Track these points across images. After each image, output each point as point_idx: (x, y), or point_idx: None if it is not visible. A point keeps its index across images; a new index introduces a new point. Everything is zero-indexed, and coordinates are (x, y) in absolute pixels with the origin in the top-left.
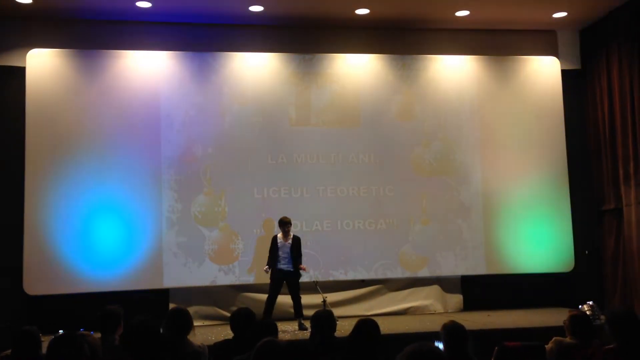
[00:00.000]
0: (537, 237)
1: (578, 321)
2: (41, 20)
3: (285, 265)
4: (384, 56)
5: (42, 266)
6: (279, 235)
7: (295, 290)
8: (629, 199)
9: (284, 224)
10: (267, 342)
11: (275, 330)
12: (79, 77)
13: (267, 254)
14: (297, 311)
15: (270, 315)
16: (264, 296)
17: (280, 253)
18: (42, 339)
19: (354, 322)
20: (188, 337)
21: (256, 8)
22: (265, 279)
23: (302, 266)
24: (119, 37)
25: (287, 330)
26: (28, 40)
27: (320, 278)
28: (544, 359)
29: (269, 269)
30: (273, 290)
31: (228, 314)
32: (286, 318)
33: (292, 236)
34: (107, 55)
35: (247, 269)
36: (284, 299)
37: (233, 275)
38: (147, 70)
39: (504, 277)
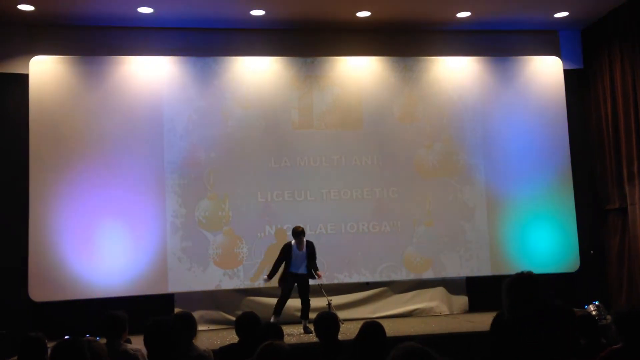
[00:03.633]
0: (541, 237)
1: (583, 321)
2: (44, 27)
3: (299, 270)
4: (385, 58)
5: (47, 272)
6: (293, 242)
7: (305, 292)
8: (634, 198)
9: (298, 234)
10: (270, 344)
11: (280, 334)
12: (82, 84)
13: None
14: (304, 313)
15: (280, 314)
16: (269, 299)
17: (293, 260)
18: (48, 345)
19: (359, 325)
20: (193, 341)
21: (257, 12)
22: (272, 283)
23: (318, 272)
24: (121, 43)
25: (293, 333)
26: (31, 47)
27: (325, 281)
28: None
29: (269, 279)
30: (285, 292)
31: (233, 318)
32: (292, 321)
33: (305, 243)
34: (110, 61)
35: (251, 273)
36: (290, 302)
37: (238, 280)
38: (149, 75)
39: (508, 278)
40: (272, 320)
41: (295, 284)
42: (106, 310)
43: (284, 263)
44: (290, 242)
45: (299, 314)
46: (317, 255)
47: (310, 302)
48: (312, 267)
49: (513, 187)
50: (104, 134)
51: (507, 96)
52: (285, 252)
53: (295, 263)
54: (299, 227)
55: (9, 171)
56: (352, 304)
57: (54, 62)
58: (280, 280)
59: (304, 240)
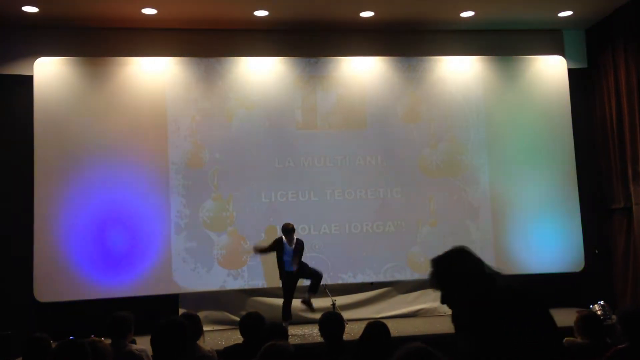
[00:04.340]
0: (546, 237)
1: (588, 321)
2: (48, 28)
3: (292, 268)
4: (389, 58)
5: (53, 273)
6: (284, 239)
7: (308, 272)
8: (639, 198)
9: (288, 231)
10: (273, 345)
11: (285, 334)
12: (86, 85)
13: (274, 259)
14: (313, 287)
15: (290, 317)
16: (274, 300)
17: (285, 257)
18: (53, 346)
19: (363, 325)
20: (198, 342)
21: (261, 13)
22: (274, 282)
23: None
24: (125, 44)
25: (297, 334)
26: (35, 49)
27: (330, 281)
28: None
29: (256, 250)
30: (287, 293)
31: (238, 319)
32: (297, 322)
33: (295, 240)
34: (114, 62)
35: (256, 273)
36: (294, 303)
37: (242, 280)
38: (153, 76)
39: (514, 277)
40: (284, 325)
41: (297, 282)
42: (111, 311)
43: (279, 262)
44: (282, 238)
45: (303, 314)
46: (321, 255)
47: (316, 303)
48: (295, 261)
49: (517, 187)
50: (109, 135)
51: (511, 95)
52: (277, 246)
53: (288, 261)
54: (289, 224)
55: (14, 172)
56: (356, 304)
57: (58, 63)
58: (281, 276)
59: (294, 237)
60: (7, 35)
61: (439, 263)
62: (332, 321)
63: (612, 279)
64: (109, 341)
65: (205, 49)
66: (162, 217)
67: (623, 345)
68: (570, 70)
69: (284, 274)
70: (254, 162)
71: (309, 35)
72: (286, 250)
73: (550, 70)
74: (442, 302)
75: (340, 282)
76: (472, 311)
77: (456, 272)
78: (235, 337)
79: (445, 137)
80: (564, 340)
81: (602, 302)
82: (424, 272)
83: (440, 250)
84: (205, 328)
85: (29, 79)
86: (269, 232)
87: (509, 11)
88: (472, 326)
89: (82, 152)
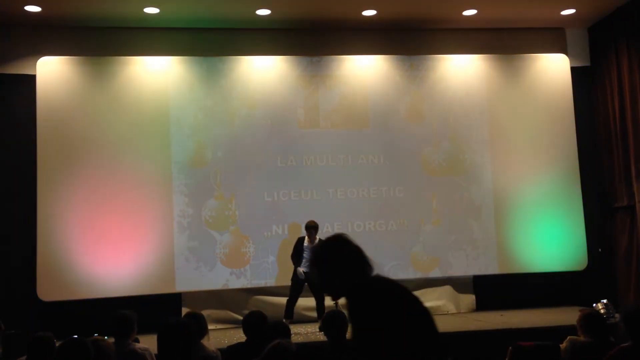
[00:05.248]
0: (549, 236)
1: (591, 319)
2: (50, 28)
3: (308, 268)
4: (391, 57)
5: (56, 272)
6: (305, 238)
7: (319, 291)
8: None
9: (308, 228)
10: (277, 344)
11: (287, 333)
12: (89, 84)
13: (291, 258)
14: (320, 312)
15: (291, 316)
16: (276, 299)
17: (305, 255)
18: (57, 345)
19: None
20: (202, 341)
21: (263, 12)
22: (281, 281)
23: (301, 269)
24: (127, 43)
25: (300, 332)
26: (38, 48)
27: None
28: (559, 359)
29: (300, 272)
30: (294, 292)
31: (241, 317)
32: (299, 320)
33: (317, 239)
34: (116, 62)
35: (258, 272)
36: (298, 302)
37: (245, 279)
38: (156, 75)
39: (517, 276)
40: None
41: (305, 284)
42: (114, 310)
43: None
44: (303, 237)
45: (306, 312)
46: None
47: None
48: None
49: (520, 185)
50: (111, 134)
51: (514, 94)
52: (297, 246)
53: (305, 258)
54: (312, 221)
55: (17, 171)
56: None
57: (61, 62)
58: (293, 275)
59: (316, 236)
60: (10, 35)
61: (317, 251)
62: (335, 320)
63: (615, 277)
64: (112, 340)
65: (207, 48)
66: (164, 216)
67: (627, 344)
68: (572, 69)
69: (295, 273)
70: (256, 161)
71: (311, 34)
72: (305, 249)
73: (552, 69)
74: (322, 289)
75: None
76: (351, 300)
77: (333, 259)
78: (238, 336)
79: (447, 135)
80: (567, 338)
81: (605, 301)
82: (426, 271)
83: (443, 249)
84: (208, 327)
85: (32, 78)
86: (292, 229)
87: (511, 9)
88: (352, 316)
89: (84, 151)
